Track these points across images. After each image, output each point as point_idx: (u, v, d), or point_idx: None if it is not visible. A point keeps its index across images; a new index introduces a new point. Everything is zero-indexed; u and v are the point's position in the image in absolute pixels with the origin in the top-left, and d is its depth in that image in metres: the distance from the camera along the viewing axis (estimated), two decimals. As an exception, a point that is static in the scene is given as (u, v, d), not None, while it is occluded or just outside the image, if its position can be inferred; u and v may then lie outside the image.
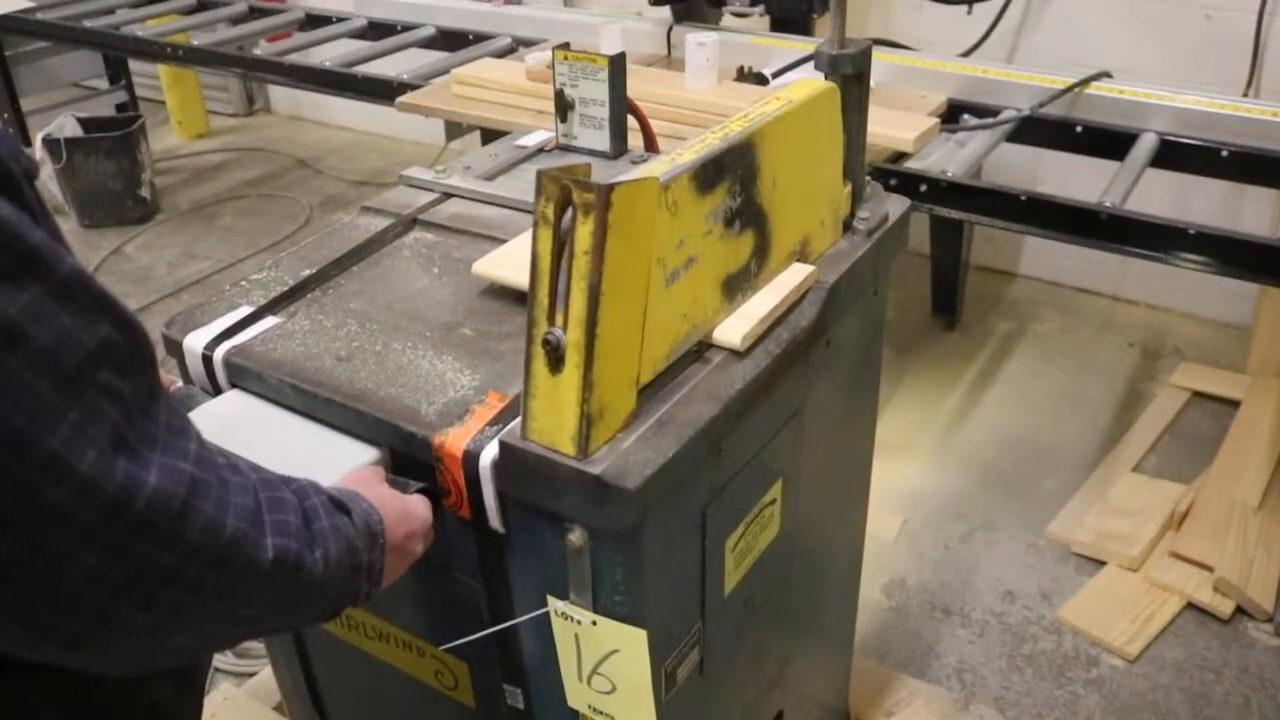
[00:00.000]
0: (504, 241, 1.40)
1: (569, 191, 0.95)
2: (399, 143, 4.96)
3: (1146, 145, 2.25)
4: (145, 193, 4.29)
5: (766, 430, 1.23)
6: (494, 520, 1.09)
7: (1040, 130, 2.40)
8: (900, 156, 2.21)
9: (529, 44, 2.93)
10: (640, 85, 2.00)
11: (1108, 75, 2.43)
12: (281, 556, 0.80)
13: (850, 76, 1.31)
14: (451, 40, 3.17)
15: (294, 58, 3.14)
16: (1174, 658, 2.19)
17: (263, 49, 3.27)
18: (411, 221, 1.52)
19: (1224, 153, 2.22)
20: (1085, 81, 2.38)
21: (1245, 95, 2.95)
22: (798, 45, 2.64)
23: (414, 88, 2.66)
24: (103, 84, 4.59)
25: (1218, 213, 2.97)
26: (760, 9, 2.73)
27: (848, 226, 1.41)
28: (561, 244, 0.97)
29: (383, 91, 2.78)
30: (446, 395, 1.14)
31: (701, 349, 1.17)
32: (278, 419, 1.18)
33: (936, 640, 2.25)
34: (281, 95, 5.40)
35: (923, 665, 2.19)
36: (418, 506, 1.05)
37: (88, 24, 3.54)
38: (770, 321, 1.20)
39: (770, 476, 1.29)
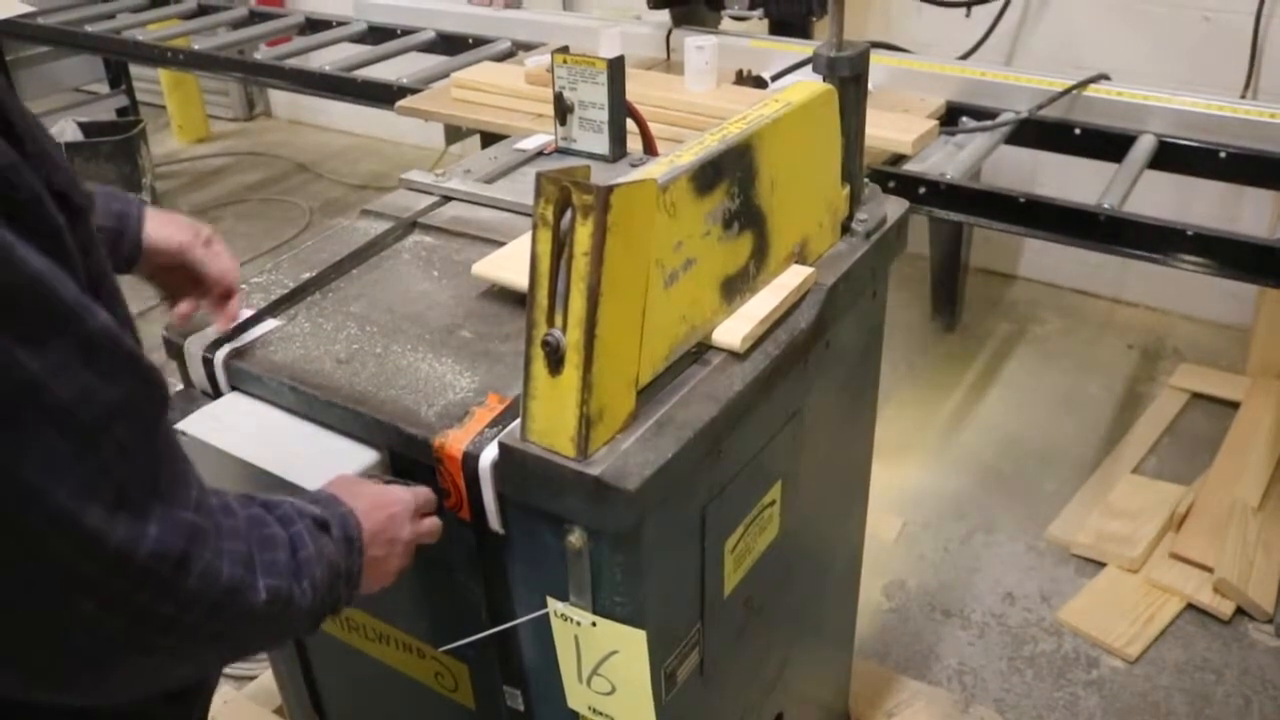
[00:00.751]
0: (503, 244, 1.40)
1: (568, 193, 0.96)
2: (399, 146, 4.96)
3: (1145, 147, 2.25)
4: (146, 197, 4.29)
5: (766, 431, 1.24)
6: (494, 522, 1.09)
7: (1039, 132, 2.40)
8: (899, 159, 2.22)
9: (528, 48, 2.94)
10: (639, 88, 2.00)
11: (1106, 77, 2.43)
12: (273, 596, 0.82)
13: (848, 79, 1.31)
14: (451, 44, 3.17)
15: (294, 62, 3.14)
16: (1174, 659, 2.19)
17: (263, 53, 3.27)
18: (411, 225, 1.52)
19: (1222, 154, 2.22)
20: (1084, 83, 2.38)
21: (1243, 97, 2.96)
22: (797, 48, 2.64)
23: (414, 92, 2.67)
24: (103, 88, 4.60)
25: (1217, 214, 2.97)
26: (759, 12, 2.74)
27: (846, 229, 1.41)
28: (561, 246, 0.97)
29: (382, 95, 2.79)
30: (446, 397, 1.14)
31: (701, 350, 1.17)
32: (278, 421, 1.19)
33: (937, 642, 2.26)
34: (282, 99, 5.41)
35: (923, 667, 2.19)
36: (396, 492, 1.05)
37: (89, 29, 3.55)
38: (769, 323, 1.21)
39: (769, 478, 1.29)
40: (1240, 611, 2.26)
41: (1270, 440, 2.67)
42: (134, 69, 4.60)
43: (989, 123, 2.37)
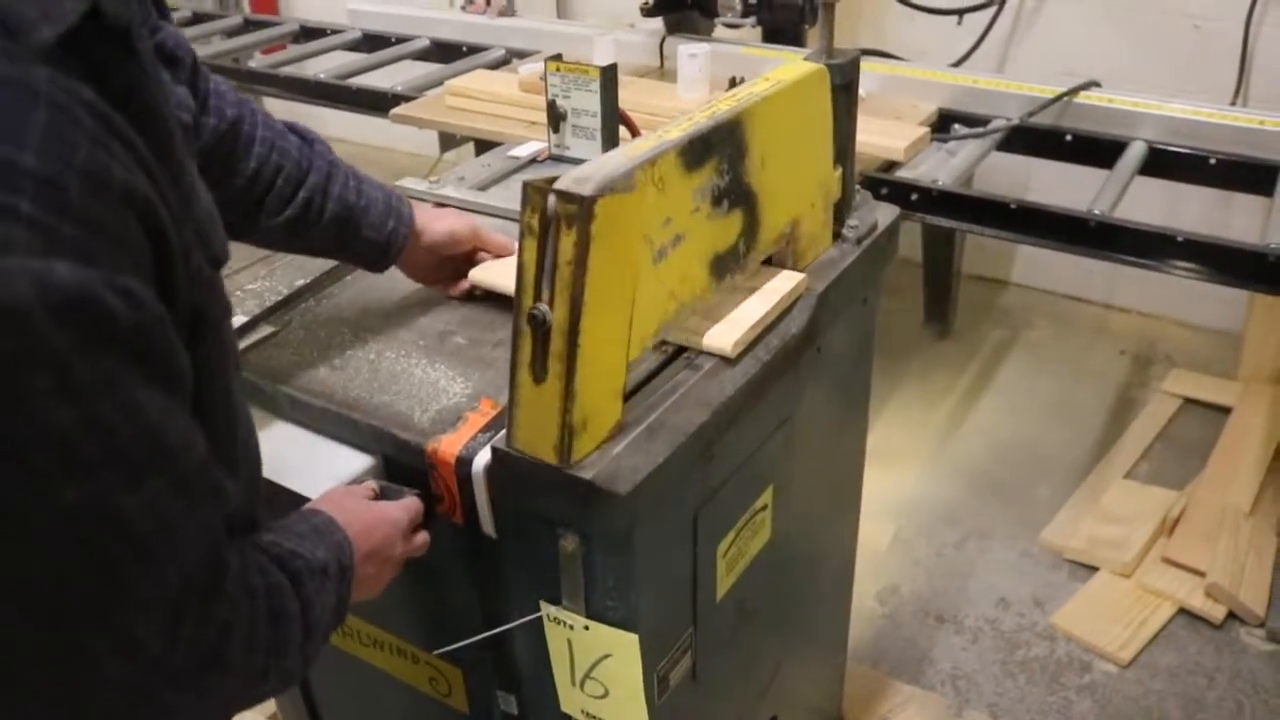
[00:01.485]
0: (497, 250, 1.41)
1: (553, 202, 0.95)
2: (393, 154, 4.96)
3: (1135, 153, 2.26)
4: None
5: (757, 436, 1.24)
6: (487, 526, 1.10)
7: (1030, 139, 2.41)
8: (891, 166, 2.23)
9: (522, 55, 2.95)
10: (632, 96, 2.01)
11: (1097, 84, 2.45)
12: (295, 670, 0.86)
13: (839, 87, 1.32)
14: (445, 52, 3.18)
15: (289, 70, 3.15)
16: (1167, 663, 2.19)
17: (258, 61, 3.28)
18: (405, 231, 1.52)
19: (1212, 161, 2.24)
20: (1074, 91, 2.40)
21: (1233, 104, 2.97)
22: (789, 56, 2.64)
23: (408, 99, 2.68)
24: (98, 96, 4.60)
25: (1207, 221, 2.98)
26: (752, 20, 2.74)
27: (838, 235, 1.42)
28: (544, 254, 0.97)
29: (377, 103, 2.80)
30: (439, 403, 1.14)
31: (692, 355, 1.18)
32: (272, 428, 1.19)
33: (930, 647, 2.26)
34: (276, 107, 5.38)
35: (916, 672, 2.20)
36: (390, 512, 1.05)
37: (83, 37, 3.54)
38: (761, 328, 1.21)
39: (761, 482, 1.30)
40: (1232, 616, 2.27)
41: (1262, 445, 2.68)
42: (129, 77, 4.59)
43: (981, 130, 2.39)
